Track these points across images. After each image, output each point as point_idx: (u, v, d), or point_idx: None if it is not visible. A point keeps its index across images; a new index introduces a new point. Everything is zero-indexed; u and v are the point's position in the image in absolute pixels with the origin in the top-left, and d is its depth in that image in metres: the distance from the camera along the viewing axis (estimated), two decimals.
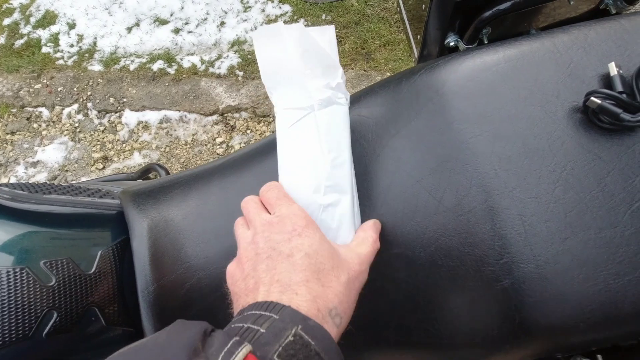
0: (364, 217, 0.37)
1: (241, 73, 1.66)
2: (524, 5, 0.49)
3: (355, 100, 0.43)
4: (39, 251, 0.34)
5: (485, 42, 0.59)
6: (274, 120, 1.54)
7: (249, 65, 1.67)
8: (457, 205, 0.34)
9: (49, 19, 2.02)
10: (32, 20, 2.03)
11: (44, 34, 1.97)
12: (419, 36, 0.64)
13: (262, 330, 0.21)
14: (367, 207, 0.37)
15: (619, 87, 0.32)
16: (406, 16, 0.69)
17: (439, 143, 0.36)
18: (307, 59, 0.35)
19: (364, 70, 1.57)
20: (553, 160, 0.33)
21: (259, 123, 1.54)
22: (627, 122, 0.31)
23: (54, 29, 1.97)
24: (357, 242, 0.31)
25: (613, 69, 0.33)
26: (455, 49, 0.59)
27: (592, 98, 0.31)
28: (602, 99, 0.31)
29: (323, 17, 1.77)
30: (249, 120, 1.55)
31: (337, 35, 1.69)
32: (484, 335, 0.34)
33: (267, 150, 0.44)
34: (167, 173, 0.82)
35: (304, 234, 0.27)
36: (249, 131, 1.53)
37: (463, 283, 0.34)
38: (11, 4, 2.13)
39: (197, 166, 0.54)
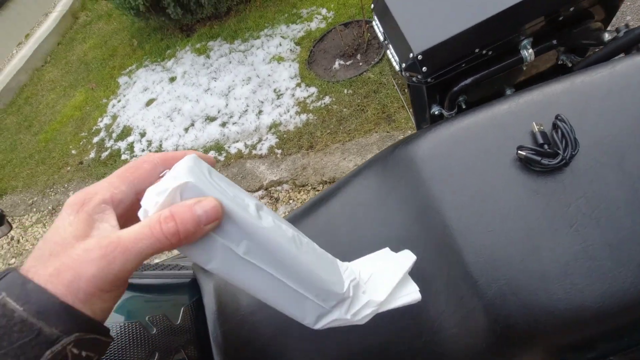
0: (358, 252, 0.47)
1: (279, 151, 1.90)
2: (482, 79, 0.62)
3: (358, 173, 0.57)
4: (143, 310, 0.49)
5: (464, 107, 0.72)
6: (312, 189, 1.71)
7: (285, 143, 1.92)
8: (437, 244, 0.45)
9: (126, 132, 2.49)
10: (114, 135, 2.52)
11: (122, 144, 2.42)
12: (411, 109, 0.78)
13: None
14: (368, 246, 0.49)
15: (540, 140, 0.43)
16: (400, 94, 0.84)
17: (418, 197, 0.48)
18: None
19: (387, 132, 1.73)
20: (503, 200, 0.43)
21: (299, 192, 1.72)
22: (549, 166, 0.41)
23: (129, 139, 2.42)
24: (131, 229, 0.23)
25: (534, 127, 0.44)
26: (441, 116, 0.72)
27: (519, 151, 0.42)
28: (527, 152, 0.42)
29: (345, 91, 2.01)
30: (290, 191, 1.74)
31: (359, 105, 1.89)
32: (478, 349, 0.42)
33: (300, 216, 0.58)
34: None
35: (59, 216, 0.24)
36: (291, 201, 1.71)
37: (454, 305, 0.43)
38: (98, 125, 2.67)
39: None
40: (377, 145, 1.70)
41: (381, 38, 0.66)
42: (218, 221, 0.24)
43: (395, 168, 0.52)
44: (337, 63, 2.16)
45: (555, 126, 0.42)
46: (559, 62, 0.70)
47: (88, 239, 0.23)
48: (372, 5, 0.66)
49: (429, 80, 0.60)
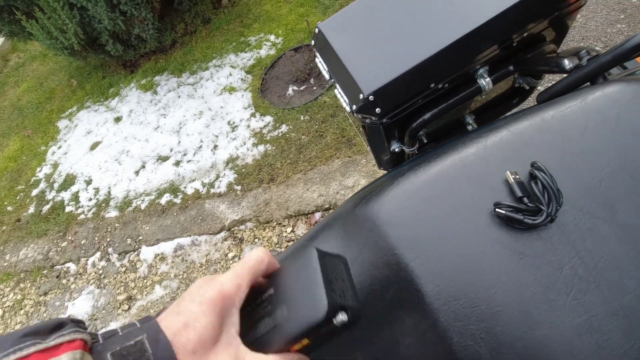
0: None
1: (239, 187, 1.79)
2: (441, 113, 0.56)
3: (315, 235, 0.49)
4: None
5: (425, 141, 0.67)
6: (278, 224, 1.61)
7: (244, 178, 1.81)
8: (416, 326, 0.37)
9: (69, 181, 2.28)
10: (56, 185, 2.29)
11: (66, 195, 2.20)
12: (369, 146, 0.72)
13: (120, 332, 0.26)
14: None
15: (519, 193, 0.37)
16: (357, 130, 0.78)
17: (388, 268, 0.40)
18: None
19: (349, 157, 1.68)
20: (487, 267, 0.36)
21: (264, 230, 1.61)
22: (533, 225, 0.35)
23: (74, 188, 2.21)
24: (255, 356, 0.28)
25: (510, 178, 0.38)
26: (402, 152, 0.67)
27: (497, 210, 0.36)
28: (506, 209, 0.36)
29: (302, 118, 1.95)
30: (254, 229, 1.63)
31: (317, 131, 1.83)
32: None
33: None
34: None
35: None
36: (257, 240, 1.60)
37: None
38: (37, 175, 2.42)
39: None
40: (340, 172, 1.64)
41: (327, 76, 0.59)
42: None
43: (358, 230, 0.44)
44: (290, 89, 2.11)
45: (532, 176, 0.37)
46: (516, 86, 0.66)
47: (219, 345, 0.27)
48: (313, 42, 0.59)
49: (384, 120, 0.54)
